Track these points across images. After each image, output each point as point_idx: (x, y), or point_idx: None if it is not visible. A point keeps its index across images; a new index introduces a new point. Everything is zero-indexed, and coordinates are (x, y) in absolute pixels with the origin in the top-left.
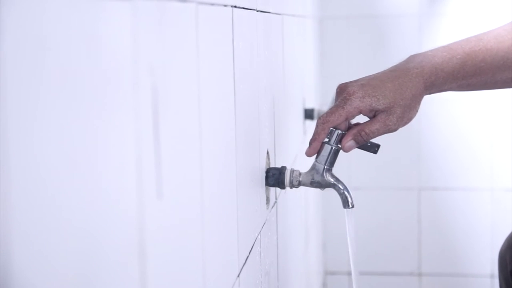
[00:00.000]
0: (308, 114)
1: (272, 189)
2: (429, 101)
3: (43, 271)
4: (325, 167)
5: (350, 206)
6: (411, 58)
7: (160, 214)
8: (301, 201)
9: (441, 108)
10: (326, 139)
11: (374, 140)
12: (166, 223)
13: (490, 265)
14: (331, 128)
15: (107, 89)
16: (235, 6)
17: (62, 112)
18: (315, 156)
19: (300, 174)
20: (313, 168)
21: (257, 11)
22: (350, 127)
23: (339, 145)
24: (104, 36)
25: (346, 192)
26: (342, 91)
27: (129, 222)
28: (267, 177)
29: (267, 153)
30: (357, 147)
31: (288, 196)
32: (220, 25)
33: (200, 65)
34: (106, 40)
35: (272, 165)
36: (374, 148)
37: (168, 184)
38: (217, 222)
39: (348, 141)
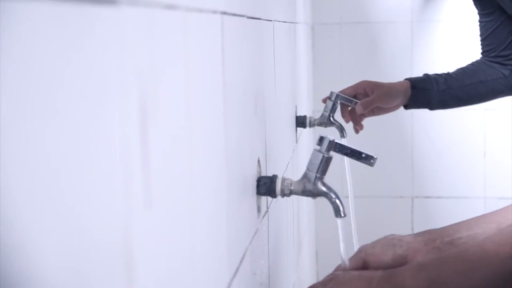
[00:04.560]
0: (300, 121)
1: (264, 197)
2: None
3: (27, 285)
4: (317, 175)
5: (342, 215)
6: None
7: (148, 224)
8: (293, 210)
9: (434, 118)
10: (318, 147)
11: (369, 152)
12: (154, 233)
13: None
14: (322, 135)
15: (94, 97)
16: (225, 13)
17: (47, 119)
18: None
19: (291, 182)
20: (305, 176)
21: (247, 17)
22: None
23: (331, 153)
24: (90, 44)
25: (338, 201)
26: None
27: (116, 232)
28: (258, 186)
29: (258, 161)
30: (353, 159)
31: (279, 204)
32: (209, 32)
33: (189, 73)
34: (93, 48)
35: (263, 174)
36: (370, 160)
37: (157, 193)
38: (207, 232)
39: None
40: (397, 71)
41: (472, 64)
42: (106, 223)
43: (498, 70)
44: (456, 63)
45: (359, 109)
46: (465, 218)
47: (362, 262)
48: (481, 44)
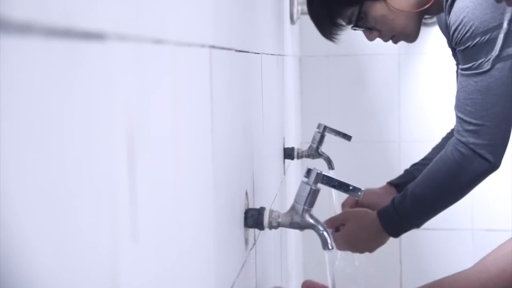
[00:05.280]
0: (288, 153)
1: (251, 230)
2: (409, 140)
3: None
4: (305, 207)
5: (330, 247)
6: None
7: (135, 256)
8: (280, 242)
9: (421, 149)
10: (305, 179)
11: (356, 184)
12: (141, 266)
13: None
14: (310, 168)
15: (81, 131)
16: (213, 47)
17: (33, 153)
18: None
19: (279, 215)
20: (292, 208)
21: (236, 50)
22: None
23: (318, 186)
24: (78, 78)
25: (325, 234)
26: None
27: (103, 265)
28: (246, 218)
29: (246, 193)
30: (341, 191)
31: (267, 237)
32: (197, 65)
33: (177, 106)
34: (81, 82)
35: (251, 206)
36: (357, 192)
37: (144, 226)
38: (194, 264)
39: None
40: (385, 102)
41: (447, 137)
42: (93, 256)
43: None
44: (441, 94)
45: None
46: (452, 250)
47: None
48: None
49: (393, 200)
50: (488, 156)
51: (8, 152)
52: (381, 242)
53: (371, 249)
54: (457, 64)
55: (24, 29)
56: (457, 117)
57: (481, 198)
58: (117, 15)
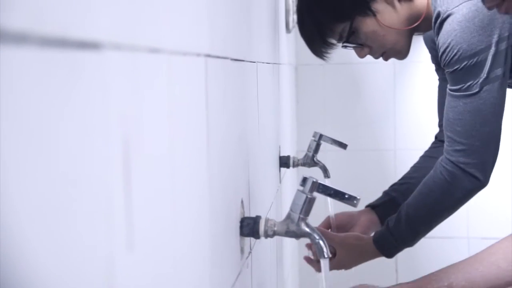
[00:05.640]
0: (284, 161)
1: (247, 238)
2: (405, 148)
3: None
4: (300, 216)
5: (326, 256)
6: None
7: (130, 265)
8: (276, 250)
9: (417, 157)
10: (301, 188)
11: (352, 193)
12: (136, 275)
13: None
14: (305, 176)
15: (76, 140)
16: (209, 55)
17: (28, 162)
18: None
19: (275, 223)
20: (288, 217)
21: (231, 59)
22: None
23: (314, 194)
24: (73, 87)
25: (321, 242)
26: None
27: (98, 274)
28: (241, 227)
29: (242, 202)
30: (337, 199)
31: (263, 245)
32: (193, 74)
33: (172, 115)
34: (76, 91)
35: (246, 215)
36: (353, 201)
37: (139, 235)
38: (190, 273)
39: None
40: (380, 110)
41: (425, 155)
42: (89, 266)
43: None
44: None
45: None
46: (448, 258)
47: None
48: (439, 113)
49: (387, 224)
50: (477, 174)
51: (5, 159)
52: (372, 259)
53: (362, 262)
54: (440, 79)
55: (20, 39)
56: (447, 136)
57: (476, 206)
58: (113, 25)
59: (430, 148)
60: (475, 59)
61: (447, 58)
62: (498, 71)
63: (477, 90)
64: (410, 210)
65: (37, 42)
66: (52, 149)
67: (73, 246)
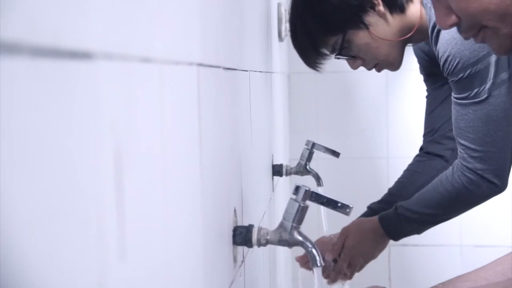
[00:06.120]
0: (277, 170)
1: (240, 247)
2: (398, 156)
3: None
4: (293, 225)
5: (319, 264)
6: None
7: (122, 276)
8: (269, 259)
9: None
10: (294, 196)
11: (345, 201)
12: (128, 285)
13: None
14: (298, 185)
15: (67, 150)
16: (201, 65)
17: (18, 172)
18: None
19: (267, 232)
20: (281, 226)
21: (224, 68)
22: None
23: (307, 203)
24: (65, 97)
25: (314, 251)
26: None
27: (89, 284)
28: (234, 236)
29: (234, 210)
30: (330, 208)
31: (256, 254)
32: (185, 83)
33: (165, 124)
34: (68, 101)
35: (239, 223)
36: (346, 209)
37: (131, 245)
38: (182, 283)
39: None
40: (373, 119)
41: (408, 169)
42: (80, 275)
43: (437, 161)
44: None
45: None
46: (441, 266)
47: None
48: (425, 123)
49: (395, 207)
50: (495, 180)
51: None
52: (383, 247)
53: (374, 255)
54: (428, 90)
55: (13, 48)
56: (460, 144)
57: (469, 214)
58: (105, 34)
59: (415, 161)
60: (478, 66)
61: (450, 67)
62: (504, 75)
63: (485, 96)
64: (421, 203)
65: (29, 52)
66: (44, 158)
67: (64, 255)
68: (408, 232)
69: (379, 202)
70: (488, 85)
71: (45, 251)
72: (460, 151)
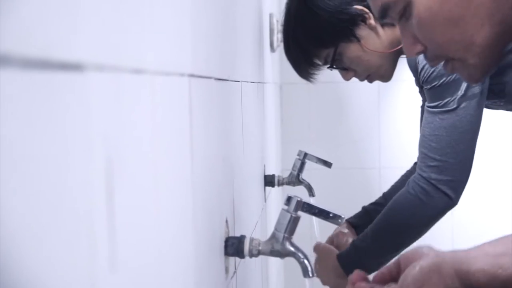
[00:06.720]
0: (269, 180)
1: (232, 258)
2: (390, 167)
3: None
4: (285, 235)
5: (311, 275)
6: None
7: (113, 287)
8: (261, 270)
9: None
10: (286, 207)
11: (337, 212)
12: None
13: None
14: (290, 195)
15: (58, 161)
16: (192, 75)
17: (8, 182)
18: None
19: (259, 243)
20: (273, 236)
21: (215, 79)
22: None
23: (299, 213)
24: (56, 109)
25: (306, 261)
26: None
27: None
28: (226, 246)
29: (226, 221)
30: (321, 218)
31: (248, 265)
32: (176, 94)
33: (156, 135)
34: (58, 113)
35: (231, 234)
36: (337, 220)
37: (122, 256)
38: None
39: None
40: (365, 129)
41: (406, 175)
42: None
43: None
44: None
45: None
46: None
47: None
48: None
49: (353, 242)
50: (449, 192)
51: None
52: (342, 284)
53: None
54: (423, 101)
55: (2, 60)
56: (421, 152)
57: (461, 222)
58: (96, 46)
59: (412, 168)
60: (453, 76)
61: (425, 75)
62: (476, 89)
63: (454, 106)
64: (377, 226)
65: (19, 64)
66: (34, 170)
67: (55, 267)
68: (367, 264)
69: (372, 203)
70: (458, 96)
71: (35, 262)
72: (418, 160)
